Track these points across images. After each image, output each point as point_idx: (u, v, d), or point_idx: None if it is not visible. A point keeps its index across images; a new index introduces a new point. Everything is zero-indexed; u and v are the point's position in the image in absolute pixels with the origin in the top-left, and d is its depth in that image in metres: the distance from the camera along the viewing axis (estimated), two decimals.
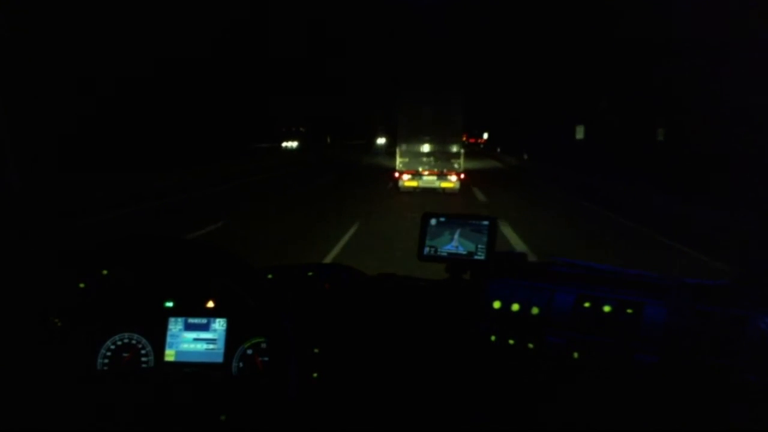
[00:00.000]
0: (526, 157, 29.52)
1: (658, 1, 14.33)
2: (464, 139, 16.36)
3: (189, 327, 1.42)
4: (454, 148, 14.30)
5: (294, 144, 46.42)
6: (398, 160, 14.36)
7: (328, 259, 6.54)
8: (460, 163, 14.18)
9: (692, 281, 1.37)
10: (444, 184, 13.99)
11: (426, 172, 14.07)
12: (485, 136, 38.24)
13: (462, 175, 14.13)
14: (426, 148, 14.32)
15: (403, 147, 14.39)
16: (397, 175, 14.31)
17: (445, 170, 14.05)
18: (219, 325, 1.42)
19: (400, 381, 1.44)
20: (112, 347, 1.40)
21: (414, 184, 14.06)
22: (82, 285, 1.39)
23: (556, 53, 25.58)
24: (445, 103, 14.44)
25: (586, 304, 1.35)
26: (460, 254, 1.57)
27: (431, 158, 14.19)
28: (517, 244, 7.81)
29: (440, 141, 14.29)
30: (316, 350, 1.36)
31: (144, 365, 1.40)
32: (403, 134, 14.46)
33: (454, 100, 14.60)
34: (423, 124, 14.22)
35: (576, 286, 1.42)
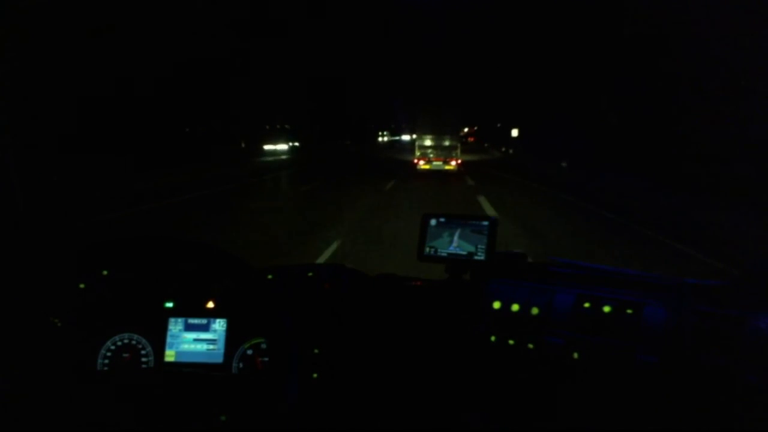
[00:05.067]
0: (486, 145, 41.01)
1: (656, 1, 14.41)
2: (462, 138, 25.36)
3: (189, 327, 1.42)
4: (454, 144, 21.29)
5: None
6: (416, 152, 21.43)
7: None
8: (457, 154, 21.13)
9: (692, 281, 1.37)
10: (447, 167, 20.66)
11: (434, 160, 20.84)
12: (515, 133, 38.21)
13: (459, 161, 21.16)
14: (434, 143, 21.11)
15: (419, 143, 21.49)
16: (415, 161, 21.30)
17: (447, 158, 20.81)
18: (219, 325, 1.42)
19: (400, 381, 1.44)
20: (112, 347, 1.40)
21: (427, 167, 20.82)
22: (82, 285, 1.39)
23: (554, 55, 25.75)
24: (448, 114, 21.41)
25: (586, 305, 1.35)
26: (460, 255, 1.57)
27: (438, 150, 21.06)
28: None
29: (444, 139, 21.09)
30: (316, 350, 1.36)
31: (144, 365, 1.40)
32: (419, 135, 21.65)
33: (454, 111, 21.91)
34: (432, 129, 21.13)
35: (576, 286, 1.42)
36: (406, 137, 72.15)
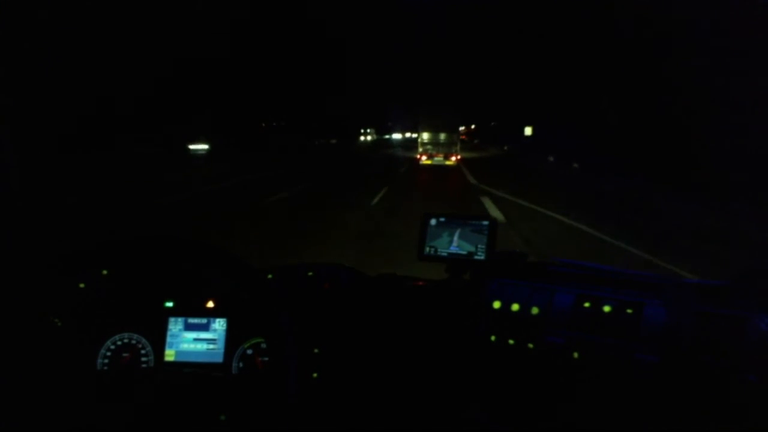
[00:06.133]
0: (505, 148, 37.42)
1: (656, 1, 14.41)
2: (461, 136, 27.78)
3: (189, 327, 1.42)
4: (454, 141, 23.27)
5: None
6: (419, 148, 23.41)
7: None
8: (457, 150, 23.14)
9: (692, 281, 1.37)
10: (447, 162, 22.66)
11: (436, 155, 22.86)
12: (528, 131, 34.91)
13: (458, 157, 23.12)
14: (436, 140, 23.10)
15: (421, 141, 23.46)
16: (418, 156, 23.30)
17: (447, 154, 22.78)
18: (219, 325, 1.42)
19: (400, 381, 1.44)
20: (112, 347, 1.40)
21: (429, 162, 22.77)
22: (82, 285, 1.39)
23: (554, 55, 25.78)
24: (448, 113, 23.41)
25: (586, 304, 1.35)
26: (460, 254, 1.57)
27: (439, 147, 23.04)
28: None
29: (444, 137, 23.07)
30: (316, 350, 1.36)
31: (144, 365, 1.40)
32: (422, 133, 23.51)
33: (454, 111, 23.94)
34: (435, 127, 22.99)
35: (576, 286, 1.42)
36: (397, 135, 69.06)
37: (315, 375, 1.32)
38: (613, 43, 17.75)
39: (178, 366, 1.39)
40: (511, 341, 1.39)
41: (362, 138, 65.12)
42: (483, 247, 1.55)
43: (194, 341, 1.42)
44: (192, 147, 27.70)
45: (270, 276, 1.59)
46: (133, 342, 1.41)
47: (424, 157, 23.01)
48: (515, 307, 1.41)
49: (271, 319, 1.21)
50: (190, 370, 1.35)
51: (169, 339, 1.42)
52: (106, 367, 1.39)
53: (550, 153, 27.95)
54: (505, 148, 37.57)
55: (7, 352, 1.19)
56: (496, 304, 1.43)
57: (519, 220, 9.29)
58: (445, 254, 1.59)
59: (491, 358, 1.41)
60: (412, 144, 25.05)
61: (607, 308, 1.32)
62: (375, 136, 68.64)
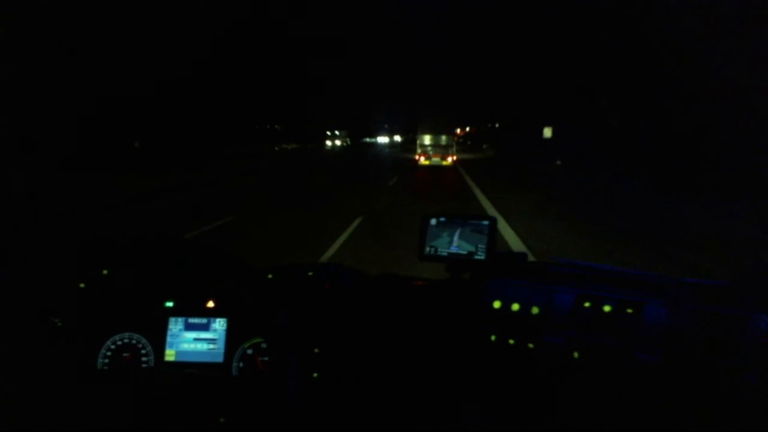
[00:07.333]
0: (485, 147, 35.55)
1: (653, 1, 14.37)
2: (456, 137, 28.73)
3: (189, 327, 1.42)
4: (450, 143, 24.84)
5: None
6: (418, 149, 25.19)
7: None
8: (453, 151, 24.70)
9: (692, 281, 1.37)
10: (444, 162, 24.18)
11: (433, 156, 24.49)
12: (547, 133, 28.77)
13: (455, 157, 24.64)
14: (434, 142, 24.68)
15: (420, 142, 25.13)
16: (417, 157, 25.03)
17: (444, 155, 24.40)
18: (219, 325, 1.42)
19: (400, 381, 1.44)
20: (112, 347, 1.40)
21: (427, 162, 24.38)
22: (82, 285, 1.39)
23: (553, 56, 25.78)
24: (445, 117, 24.94)
25: (586, 304, 1.35)
26: (461, 254, 1.57)
27: (436, 148, 24.65)
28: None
29: (442, 138, 24.65)
30: (316, 350, 1.36)
31: (144, 365, 1.40)
32: (420, 135, 25.10)
33: (450, 115, 25.39)
34: (432, 129, 24.65)
35: (576, 286, 1.42)
36: (383, 139, 66.30)
37: (315, 375, 1.31)
38: (614, 43, 17.72)
39: (178, 366, 1.39)
40: (511, 341, 1.39)
41: (329, 143, 51.35)
42: (483, 246, 1.55)
43: (194, 341, 1.41)
44: None
45: (270, 276, 1.59)
46: (134, 342, 1.41)
47: (422, 158, 24.74)
48: (515, 306, 1.41)
49: (272, 318, 1.22)
50: (190, 370, 1.35)
51: (169, 339, 1.42)
52: (106, 367, 1.39)
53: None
54: (558, 162, 25.40)
55: (8, 352, 1.19)
56: (497, 304, 1.43)
57: None
58: (445, 254, 1.59)
59: (491, 357, 1.41)
60: (403, 148, 24.49)
61: (607, 308, 1.32)
62: (347, 141, 53.77)
